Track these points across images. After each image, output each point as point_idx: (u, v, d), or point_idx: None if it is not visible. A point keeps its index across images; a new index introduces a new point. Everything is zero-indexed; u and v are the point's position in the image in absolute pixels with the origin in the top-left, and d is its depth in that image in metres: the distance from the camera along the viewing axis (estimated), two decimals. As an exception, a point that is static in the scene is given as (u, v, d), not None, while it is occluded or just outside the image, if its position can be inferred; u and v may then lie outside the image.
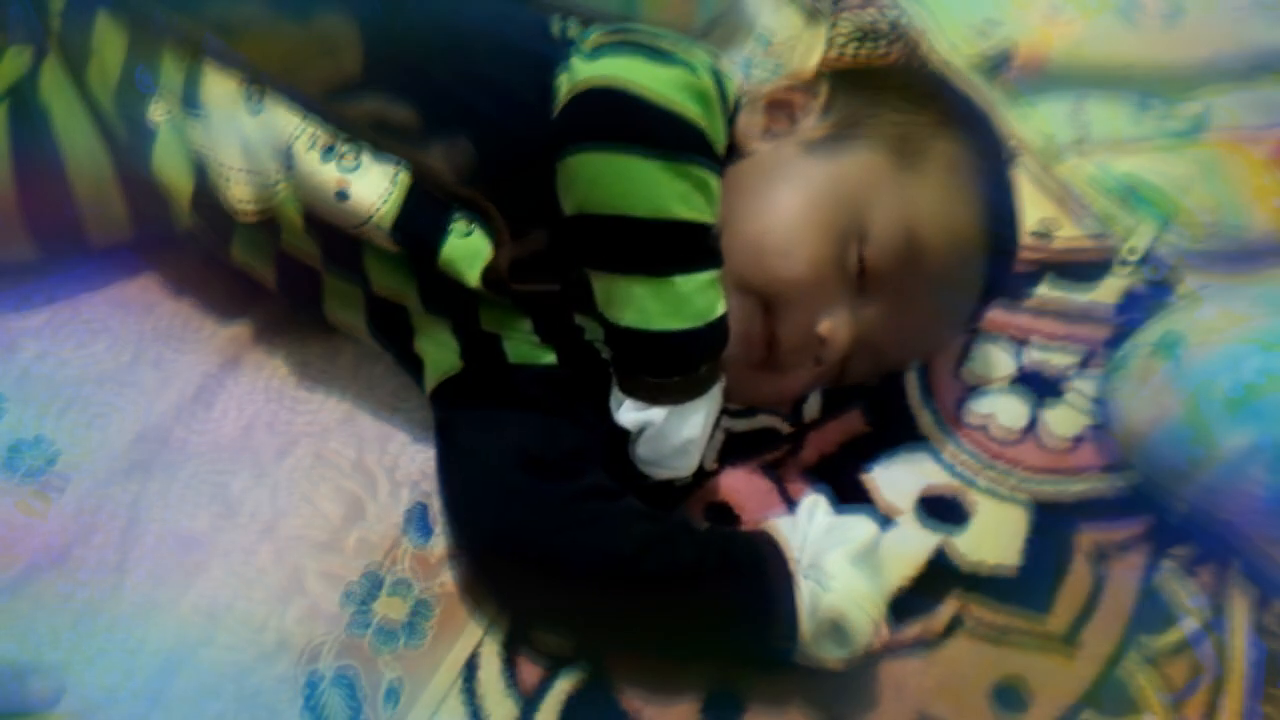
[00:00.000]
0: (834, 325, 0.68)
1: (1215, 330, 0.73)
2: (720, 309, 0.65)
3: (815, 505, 0.67)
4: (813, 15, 1.04)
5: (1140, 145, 0.94)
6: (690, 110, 0.64)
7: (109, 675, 0.63)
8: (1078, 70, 0.98)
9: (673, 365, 0.65)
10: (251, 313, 0.78)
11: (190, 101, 0.70)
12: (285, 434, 0.73)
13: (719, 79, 0.69)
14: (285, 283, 0.73)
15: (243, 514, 0.69)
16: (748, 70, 1.01)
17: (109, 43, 0.72)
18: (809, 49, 1.03)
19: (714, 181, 0.65)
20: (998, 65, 0.99)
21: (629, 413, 0.66)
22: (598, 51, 0.66)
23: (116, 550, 0.67)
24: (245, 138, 0.68)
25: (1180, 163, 0.93)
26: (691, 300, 0.64)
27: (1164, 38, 0.99)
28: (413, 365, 0.73)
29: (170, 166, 0.71)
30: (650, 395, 0.66)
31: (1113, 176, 0.92)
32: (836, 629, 0.62)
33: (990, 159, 0.73)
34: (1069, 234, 0.89)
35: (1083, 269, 0.87)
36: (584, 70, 0.65)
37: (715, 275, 0.65)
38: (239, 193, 0.70)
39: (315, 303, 0.73)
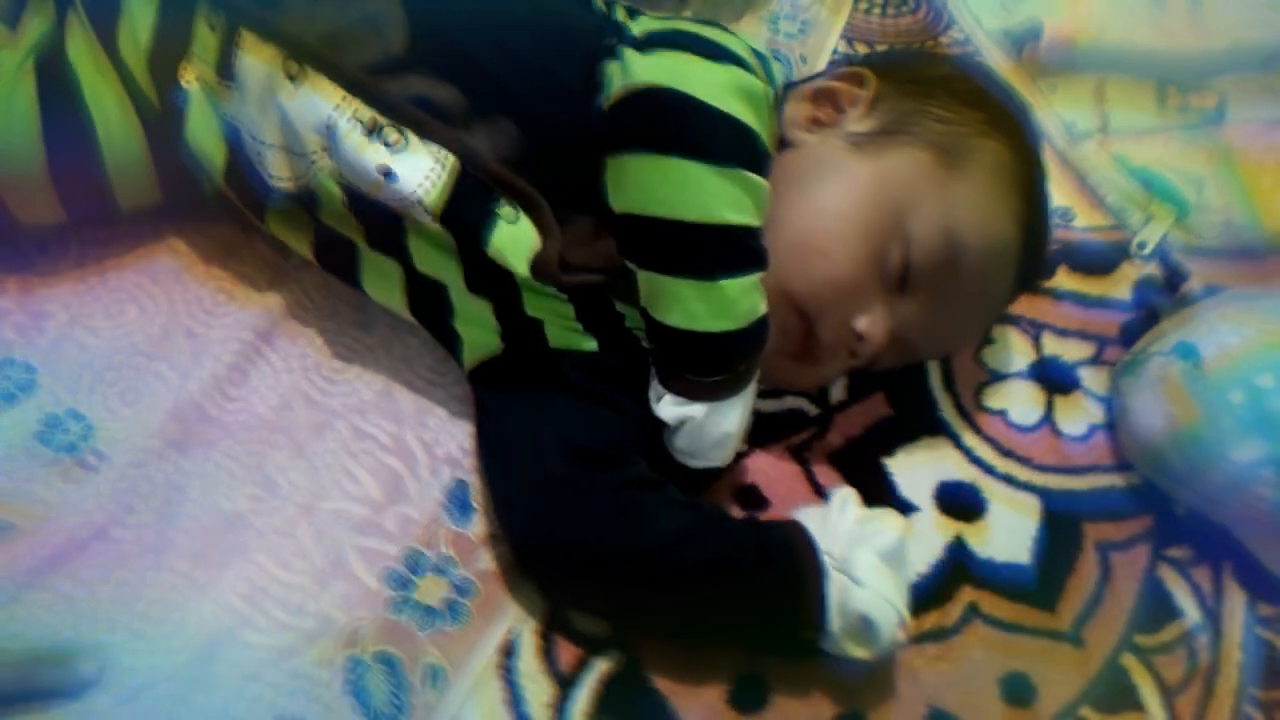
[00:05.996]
0: (871, 323, 0.69)
1: (1230, 343, 0.74)
2: (762, 308, 0.66)
3: (846, 500, 0.68)
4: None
5: (1158, 136, 0.95)
6: (744, 114, 0.64)
7: (149, 657, 0.63)
8: (1101, 52, 0.98)
9: (716, 365, 0.66)
10: (284, 282, 0.77)
11: (226, 72, 0.69)
12: (323, 409, 0.73)
13: (768, 69, 0.68)
14: (322, 256, 0.73)
15: (281, 492, 0.69)
16: (775, 27, 1.00)
17: (140, 3, 0.70)
18: (836, 7, 1.02)
19: (763, 184, 0.65)
20: (1022, 41, 0.99)
21: (669, 407, 0.67)
22: (650, 45, 0.65)
23: (154, 530, 0.67)
24: (284, 113, 0.67)
25: (1196, 157, 0.94)
26: (737, 302, 0.64)
27: (1186, 24, 0.99)
28: (450, 342, 0.73)
29: (204, 138, 0.70)
30: (691, 391, 0.67)
31: (1130, 167, 0.92)
32: (865, 625, 0.64)
33: (1030, 162, 0.73)
34: (1084, 222, 0.91)
35: (1097, 258, 0.89)
36: (638, 67, 0.64)
37: (760, 276, 0.65)
38: (277, 168, 0.69)
39: (352, 277, 0.73)
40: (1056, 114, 0.96)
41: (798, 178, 0.69)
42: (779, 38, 0.99)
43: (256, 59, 0.68)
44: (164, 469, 0.69)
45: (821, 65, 0.98)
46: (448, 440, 0.73)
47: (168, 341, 0.74)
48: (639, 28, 0.68)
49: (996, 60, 0.98)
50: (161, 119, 0.71)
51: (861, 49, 1.00)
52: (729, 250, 0.64)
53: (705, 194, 0.63)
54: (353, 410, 0.73)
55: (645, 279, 0.66)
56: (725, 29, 0.69)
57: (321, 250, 0.72)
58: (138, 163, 0.73)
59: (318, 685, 0.64)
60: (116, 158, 0.72)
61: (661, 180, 0.63)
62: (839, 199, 0.69)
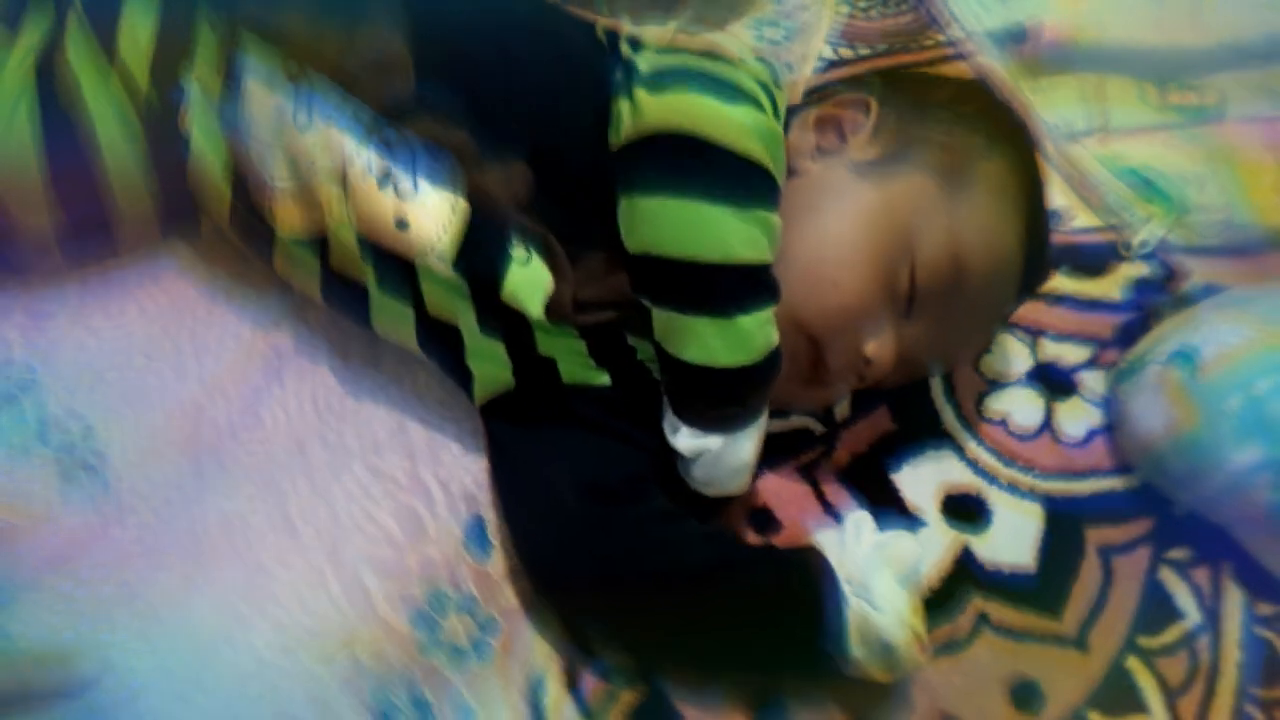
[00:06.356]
0: (879, 346, 0.70)
1: (1228, 346, 0.75)
2: (776, 339, 0.67)
3: (861, 524, 0.70)
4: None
5: (1154, 135, 0.96)
6: (760, 155, 0.64)
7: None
8: (1097, 50, 0.99)
9: (733, 398, 0.67)
10: (292, 322, 0.77)
11: (230, 113, 0.68)
12: (339, 448, 0.73)
13: (773, 97, 0.69)
14: (331, 297, 0.73)
15: (304, 539, 0.70)
16: (760, 32, 1.00)
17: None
18: (821, 7, 1.02)
19: (777, 220, 0.65)
20: (1014, 40, 0.99)
21: (686, 440, 0.68)
22: (661, 81, 0.66)
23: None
24: (293, 156, 0.67)
25: (1195, 156, 0.94)
26: (754, 337, 0.65)
27: (1185, 20, 1.00)
28: (462, 377, 0.73)
29: (208, 176, 0.70)
30: (707, 424, 0.68)
31: (1127, 166, 0.93)
32: (885, 649, 0.65)
33: (1031, 180, 0.74)
34: (1079, 223, 0.92)
35: (1092, 258, 0.90)
36: (650, 107, 0.64)
37: (774, 308, 0.66)
38: (285, 212, 0.68)
39: (361, 317, 0.73)
40: (1050, 114, 0.96)
41: (805, 206, 0.70)
42: (764, 45, 0.99)
43: (263, 100, 0.67)
44: (178, 484, 0.70)
45: (808, 71, 0.98)
46: (463, 475, 0.74)
47: (179, 385, 0.74)
48: (645, 63, 0.68)
49: (989, 60, 0.99)
50: (163, 128, 0.70)
51: (845, 53, 1.00)
52: (746, 287, 0.65)
53: (723, 234, 0.63)
54: (368, 449, 0.73)
55: (661, 316, 0.66)
56: (731, 61, 0.69)
57: (329, 291, 0.72)
58: (138, 165, 0.72)
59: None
60: (117, 160, 0.71)
61: (679, 221, 0.64)
62: (847, 228, 0.70)
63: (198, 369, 0.73)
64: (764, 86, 0.68)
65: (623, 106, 0.66)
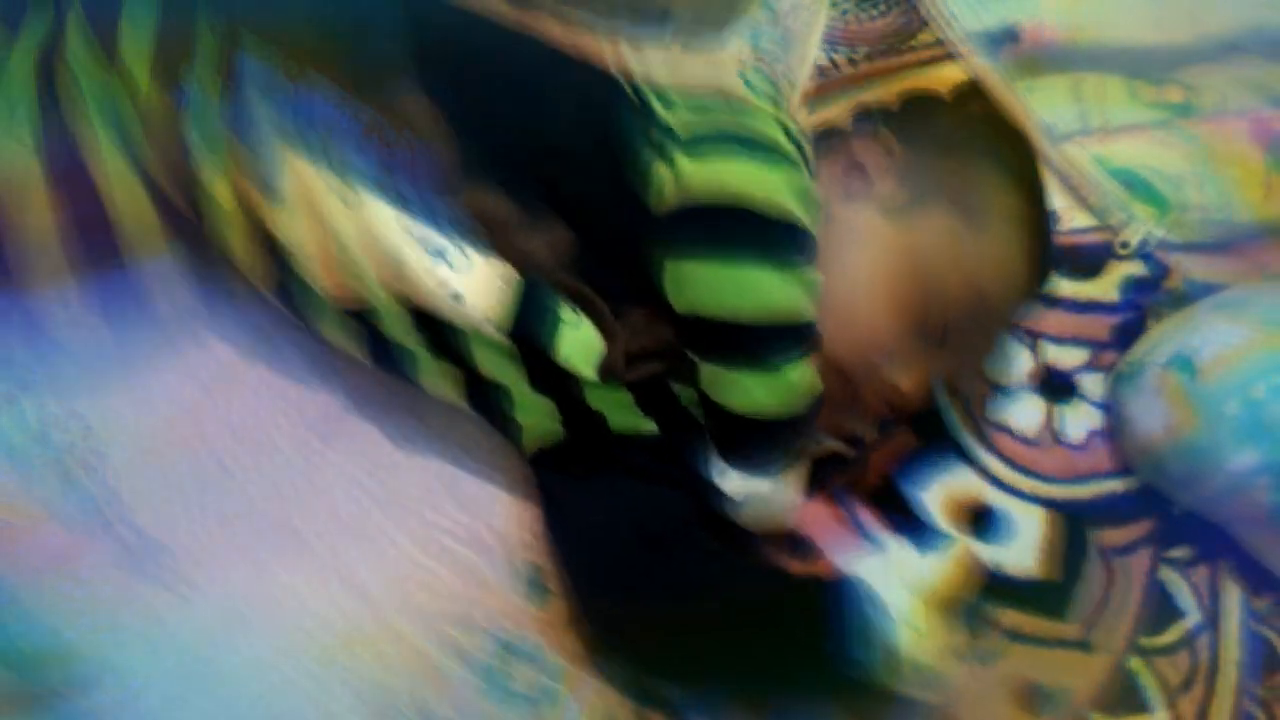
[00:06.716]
0: (911, 379, 0.74)
1: (1226, 348, 0.77)
2: (817, 384, 0.70)
3: (902, 554, 0.74)
4: (813, -25, 1.04)
5: (1148, 131, 0.97)
6: (800, 215, 0.66)
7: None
8: (1077, 49, 1.01)
9: (778, 443, 0.70)
10: (336, 379, 0.79)
11: (271, 190, 0.68)
12: (396, 508, 0.75)
13: (798, 141, 0.71)
14: (380, 360, 0.74)
15: (372, 599, 0.72)
16: (756, 41, 1.01)
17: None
18: (814, 13, 1.03)
19: (816, 274, 0.68)
20: (1009, 38, 1.01)
21: (735, 483, 0.71)
22: (700, 147, 0.67)
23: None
24: (339, 233, 0.68)
25: (1174, 153, 0.96)
26: (798, 385, 0.68)
27: (1176, 15, 1.01)
28: (510, 430, 0.75)
29: (248, 257, 0.70)
30: (754, 467, 0.71)
31: (1119, 166, 0.95)
32: (929, 672, 0.70)
33: (1041, 204, 0.78)
34: (1070, 224, 0.93)
35: (1088, 259, 0.92)
36: (693, 175, 0.66)
37: (818, 358, 0.69)
38: (332, 285, 0.69)
39: (410, 378, 0.74)
40: (1042, 114, 0.98)
41: (837, 251, 0.72)
42: (763, 53, 1.00)
43: (306, 178, 0.68)
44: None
45: (804, 81, 0.99)
46: (518, 525, 0.76)
47: (237, 449, 0.75)
48: (677, 120, 0.69)
49: (980, 61, 1.01)
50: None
51: (839, 59, 1.01)
52: (790, 342, 0.68)
53: (769, 295, 0.66)
54: (425, 505, 0.76)
55: (708, 369, 0.69)
56: (757, 111, 0.71)
57: (378, 356, 0.74)
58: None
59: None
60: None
61: (725, 285, 0.66)
62: (880, 270, 0.72)
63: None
64: (789, 133, 0.70)
65: (663, 171, 0.68)
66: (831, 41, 1.03)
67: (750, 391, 0.68)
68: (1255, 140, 0.98)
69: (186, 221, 0.74)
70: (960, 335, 0.74)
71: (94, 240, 0.74)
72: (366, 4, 0.74)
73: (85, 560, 0.66)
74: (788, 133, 0.70)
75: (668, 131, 0.69)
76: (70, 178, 0.70)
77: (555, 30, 0.87)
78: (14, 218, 0.71)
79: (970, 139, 0.77)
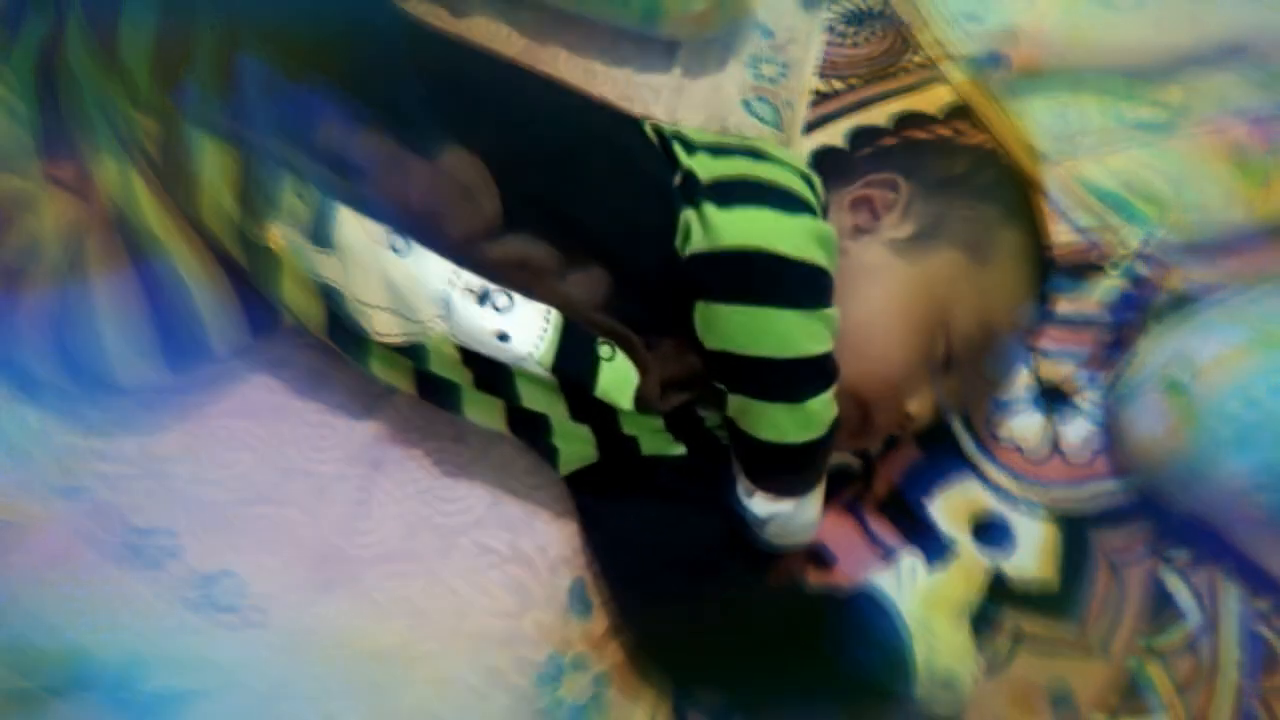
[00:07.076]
0: (920, 404, 0.80)
1: (1224, 352, 0.81)
2: (837, 412, 0.75)
3: (915, 565, 0.80)
4: (808, 2, 1.09)
5: (1124, 147, 1.01)
6: (821, 259, 0.72)
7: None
8: (1064, 66, 1.05)
9: (801, 468, 0.76)
10: (379, 406, 0.82)
11: (321, 239, 0.73)
12: (445, 531, 0.80)
13: (813, 184, 0.76)
14: (425, 393, 0.78)
15: (432, 619, 0.77)
16: (758, 70, 1.06)
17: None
18: (809, 40, 1.08)
19: (836, 312, 0.73)
20: (987, 64, 1.06)
21: (761, 505, 0.77)
22: (727, 197, 0.72)
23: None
24: (390, 279, 0.72)
25: (1163, 164, 0.99)
26: (820, 415, 0.74)
27: (1137, 25, 1.05)
28: (547, 453, 0.80)
29: (299, 297, 0.74)
30: (779, 491, 0.77)
31: (1098, 185, 0.99)
32: (947, 685, 0.76)
33: (1040, 234, 0.84)
34: (1059, 241, 0.97)
35: (1076, 273, 0.97)
36: (721, 225, 0.71)
37: (836, 387, 0.75)
38: (383, 327, 0.74)
39: (454, 408, 0.78)
40: (1030, 133, 1.01)
41: (850, 285, 0.77)
42: (764, 83, 1.05)
43: (356, 230, 0.72)
44: (322, 614, 0.75)
45: (802, 108, 1.04)
46: (558, 541, 0.81)
47: (288, 484, 0.79)
48: (702, 169, 0.74)
49: (960, 84, 1.06)
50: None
51: (837, 84, 1.06)
52: (813, 377, 0.73)
53: (795, 335, 0.71)
54: (471, 526, 0.80)
55: (736, 400, 0.74)
56: (777, 158, 0.77)
57: (425, 389, 0.78)
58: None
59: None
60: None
61: (755, 326, 0.71)
62: (892, 305, 0.78)
63: (326, 511, 0.77)
64: (805, 179, 0.76)
65: (691, 218, 0.73)
66: (824, 69, 1.07)
67: (777, 422, 0.73)
68: (1254, 141, 1.02)
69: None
70: (966, 361, 0.80)
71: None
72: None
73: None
74: (805, 179, 0.76)
75: (691, 177, 0.74)
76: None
77: (572, 72, 0.93)
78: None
79: (978, 181, 0.83)
